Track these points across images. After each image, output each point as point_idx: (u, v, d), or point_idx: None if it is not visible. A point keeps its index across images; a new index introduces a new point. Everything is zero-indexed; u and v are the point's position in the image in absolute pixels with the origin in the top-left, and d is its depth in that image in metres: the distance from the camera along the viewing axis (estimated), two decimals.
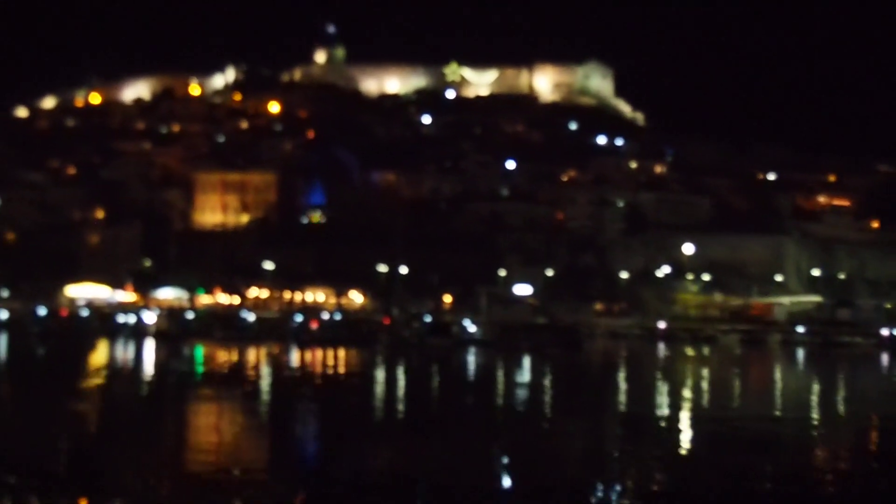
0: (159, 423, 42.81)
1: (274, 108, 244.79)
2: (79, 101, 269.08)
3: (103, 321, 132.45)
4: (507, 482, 29.69)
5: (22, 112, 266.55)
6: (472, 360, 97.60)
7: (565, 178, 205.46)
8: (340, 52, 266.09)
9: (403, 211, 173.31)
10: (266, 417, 46.02)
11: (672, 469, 33.12)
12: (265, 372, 75.59)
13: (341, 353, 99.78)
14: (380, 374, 76.05)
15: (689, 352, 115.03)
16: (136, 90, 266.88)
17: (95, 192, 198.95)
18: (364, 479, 29.37)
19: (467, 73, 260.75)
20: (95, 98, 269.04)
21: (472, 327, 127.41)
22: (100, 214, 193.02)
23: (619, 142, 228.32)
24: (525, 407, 54.14)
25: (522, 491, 28.45)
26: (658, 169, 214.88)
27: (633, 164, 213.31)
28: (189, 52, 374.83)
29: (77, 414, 44.25)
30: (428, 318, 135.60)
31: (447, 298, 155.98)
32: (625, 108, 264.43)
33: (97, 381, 63.13)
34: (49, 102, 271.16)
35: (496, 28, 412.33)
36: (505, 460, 33.39)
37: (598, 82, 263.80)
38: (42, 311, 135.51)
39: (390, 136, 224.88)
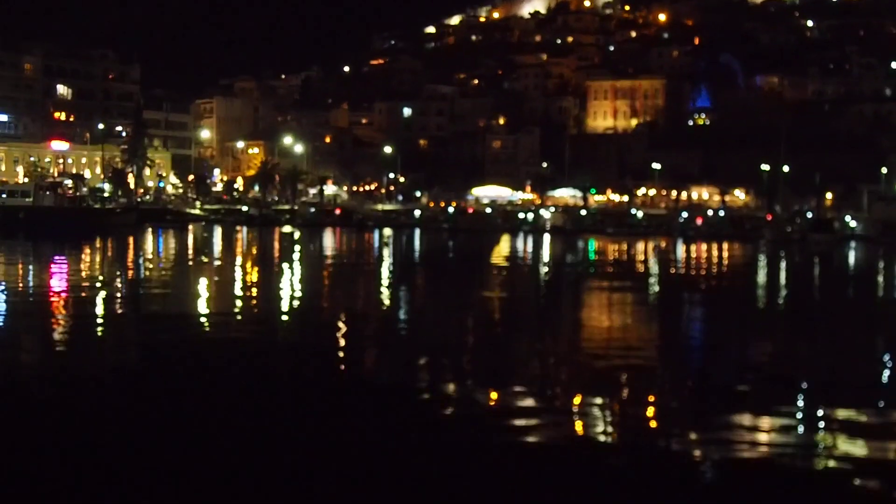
0: (558, 309, 43.19)
1: (661, 17, 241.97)
2: (482, 18, 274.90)
3: (505, 218, 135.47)
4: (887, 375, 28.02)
5: (430, 29, 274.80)
6: (853, 255, 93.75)
7: None
8: None
9: (787, 113, 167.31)
10: (654, 307, 45.47)
11: None
12: (653, 263, 75.18)
13: (725, 247, 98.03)
14: (763, 268, 74.06)
15: None
16: (534, 5, 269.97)
17: (498, 101, 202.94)
18: (749, 369, 28.56)
19: None
20: (496, 14, 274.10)
21: (853, 223, 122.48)
22: (502, 122, 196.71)
23: None
24: None
25: None
26: None
27: None
28: None
29: (486, 300, 45.23)
30: (810, 215, 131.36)
31: (829, 196, 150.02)
32: None
33: (504, 270, 64.50)
34: (455, 19, 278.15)
35: None
36: (887, 355, 31.60)
37: None
38: (451, 209, 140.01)
39: (774, 41, 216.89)
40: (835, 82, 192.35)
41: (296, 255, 74.32)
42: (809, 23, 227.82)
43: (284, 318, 36.94)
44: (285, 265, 63.74)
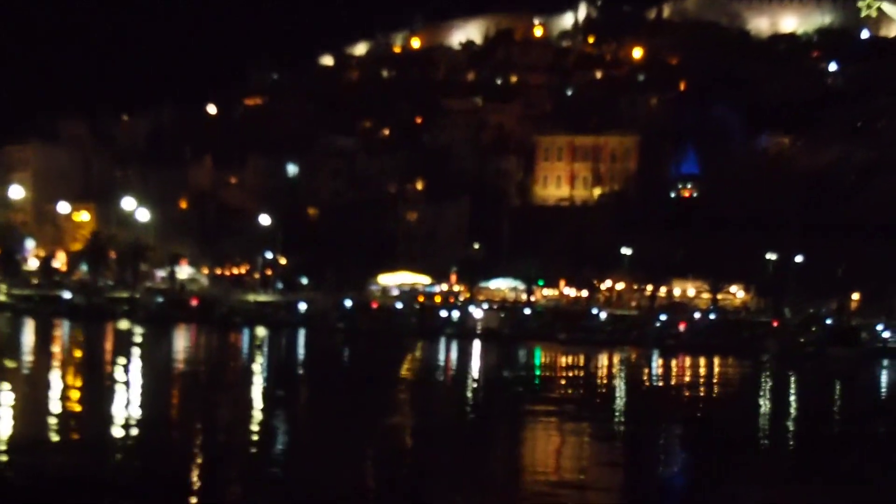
0: (484, 444, 43.06)
1: (636, 53, 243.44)
2: (396, 48, 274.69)
3: (422, 317, 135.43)
4: None
5: (327, 60, 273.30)
6: (885, 376, 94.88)
7: None
8: None
9: (800, 185, 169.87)
10: (620, 445, 45.59)
11: None
12: (619, 385, 75.37)
13: (716, 363, 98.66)
14: (765, 393, 74.61)
15: None
16: (466, 33, 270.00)
17: (415, 160, 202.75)
18: None
19: (887, 7, 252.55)
20: (416, 43, 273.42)
21: (886, 333, 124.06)
22: (420, 187, 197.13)
23: None
24: None
25: None
26: None
27: None
28: None
29: (387, 433, 44.98)
30: (829, 322, 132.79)
31: (854, 297, 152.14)
32: None
33: (411, 392, 64.24)
34: (361, 49, 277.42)
35: None
36: None
37: None
38: (348, 303, 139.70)
39: (784, 88, 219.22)
40: (863, 146, 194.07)
41: (134, 365, 73.48)
42: (831, 67, 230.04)
43: (116, 455, 36.55)
44: (118, 379, 63.00)
